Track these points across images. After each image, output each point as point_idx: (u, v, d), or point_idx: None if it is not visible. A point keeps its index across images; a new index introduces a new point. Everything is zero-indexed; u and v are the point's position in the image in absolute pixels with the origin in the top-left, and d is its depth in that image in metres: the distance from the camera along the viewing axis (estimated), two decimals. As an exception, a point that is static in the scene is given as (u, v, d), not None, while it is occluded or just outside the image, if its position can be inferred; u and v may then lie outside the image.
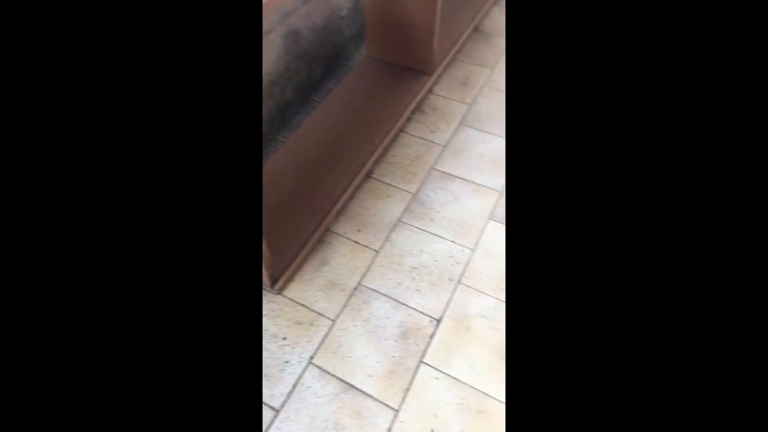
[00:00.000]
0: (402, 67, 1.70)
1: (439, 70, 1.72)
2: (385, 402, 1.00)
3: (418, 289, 1.18)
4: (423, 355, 1.07)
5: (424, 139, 1.54)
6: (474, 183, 1.41)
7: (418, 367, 1.05)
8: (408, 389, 1.02)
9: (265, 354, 1.08)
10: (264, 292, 1.18)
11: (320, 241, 1.28)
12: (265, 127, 1.52)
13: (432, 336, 1.10)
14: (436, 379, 1.03)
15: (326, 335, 1.11)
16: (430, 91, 1.69)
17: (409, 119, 1.59)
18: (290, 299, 1.17)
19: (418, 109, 1.63)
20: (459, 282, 1.19)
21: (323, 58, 1.69)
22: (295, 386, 1.03)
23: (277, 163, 1.42)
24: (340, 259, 1.24)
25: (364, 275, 1.21)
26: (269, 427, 0.98)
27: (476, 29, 1.95)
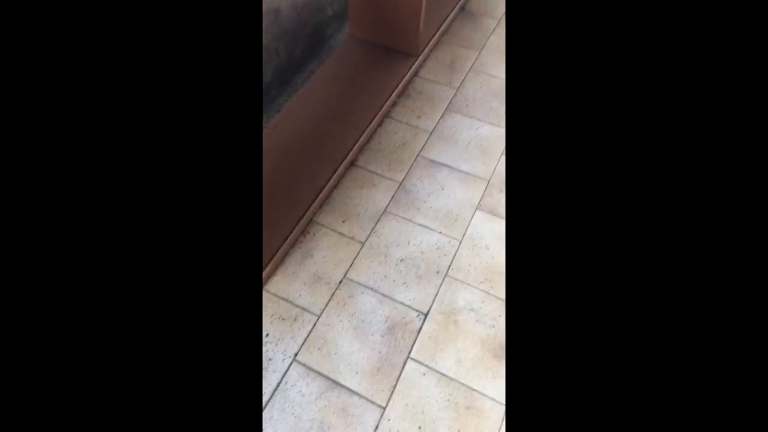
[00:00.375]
0: (386, 48, 1.63)
1: (425, 52, 1.66)
2: (371, 399, 0.99)
3: (404, 282, 1.15)
4: (410, 351, 1.05)
5: (410, 125, 1.49)
6: (461, 171, 1.38)
7: (405, 363, 1.03)
8: (395, 386, 1.00)
9: (247, 351, 1.05)
10: (245, 286, 1.14)
11: (303, 233, 1.24)
12: (243, 111, 1.44)
13: (419, 331, 1.08)
14: (424, 375, 1.02)
15: (311, 331, 1.08)
16: (415, 74, 1.63)
17: (394, 104, 1.54)
18: (273, 294, 1.13)
19: (404, 93, 1.58)
20: (446, 274, 1.17)
21: (304, 38, 1.61)
22: (279, 385, 1.00)
23: (257, 150, 1.35)
24: (325, 252, 1.20)
25: (349, 268, 1.18)
26: (253, 427, 0.95)
27: (463, 9, 1.88)
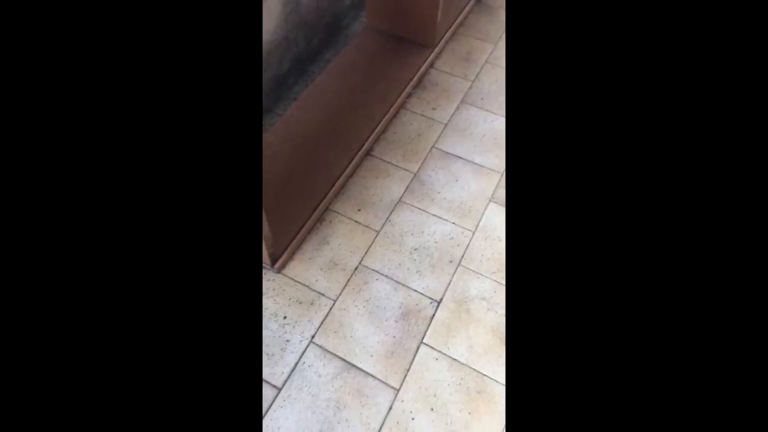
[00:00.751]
0: (402, 39, 1.65)
1: (441, 43, 1.67)
2: (385, 381, 1.02)
3: (418, 271, 1.19)
4: (423, 336, 1.09)
5: (425, 117, 1.51)
6: (475, 163, 1.40)
7: (418, 348, 1.07)
8: (408, 369, 1.04)
9: (266, 333, 1.08)
10: (264, 270, 1.17)
11: (320, 220, 1.27)
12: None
13: (432, 317, 1.11)
14: (436, 359, 1.05)
15: (327, 315, 1.11)
16: (431, 65, 1.64)
17: (410, 95, 1.56)
18: (291, 278, 1.17)
19: (419, 84, 1.59)
20: (459, 264, 1.20)
21: (322, 27, 1.62)
22: (296, 365, 1.04)
23: (275, 138, 1.38)
24: (341, 239, 1.24)
25: (364, 255, 1.21)
26: (271, 405, 0.99)
27: (480, 1, 1.88)
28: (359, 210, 1.29)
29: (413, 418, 0.98)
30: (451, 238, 1.25)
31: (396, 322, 1.11)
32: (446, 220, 1.28)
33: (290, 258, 1.20)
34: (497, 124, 1.50)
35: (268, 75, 1.45)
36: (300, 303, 1.13)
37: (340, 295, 1.14)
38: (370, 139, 1.40)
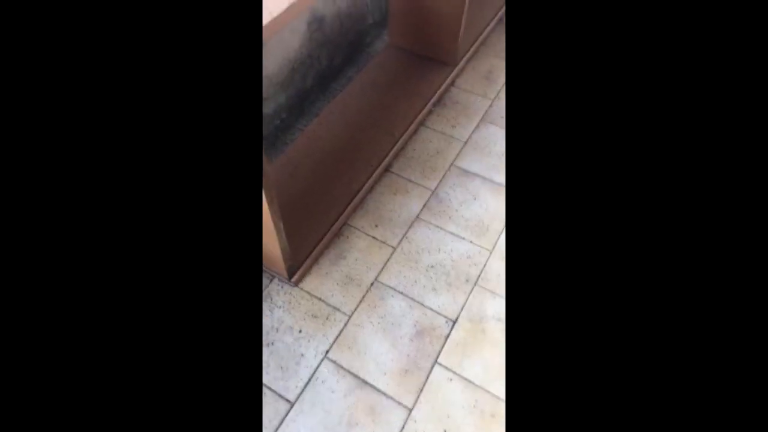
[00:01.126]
0: (423, 57, 1.67)
1: (462, 62, 1.69)
2: (399, 400, 1.02)
3: (434, 289, 1.18)
4: (438, 356, 1.08)
5: (445, 134, 1.52)
6: (494, 182, 1.40)
7: (432, 368, 1.06)
8: (422, 389, 1.03)
9: (281, 346, 1.09)
10: (281, 283, 1.19)
11: (337, 235, 1.28)
12: (284, 114, 1.50)
13: (447, 337, 1.11)
14: (450, 380, 1.04)
15: (342, 330, 1.11)
16: (452, 83, 1.66)
17: (430, 112, 1.57)
18: (307, 292, 1.18)
19: (440, 102, 1.61)
20: (476, 283, 1.19)
21: (345, 45, 1.65)
22: (310, 380, 1.04)
23: (296, 153, 1.41)
24: (357, 254, 1.24)
25: (380, 271, 1.21)
26: (284, 419, 0.99)
27: (502, 20, 1.90)
28: (377, 226, 1.30)
29: (425, 439, 0.97)
30: (468, 257, 1.24)
31: (410, 340, 1.10)
32: (463, 238, 1.28)
33: (307, 272, 1.21)
34: (517, 143, 1.50)
35: (291, 91, 1.48)
36: (315, 317, 1.14)
37: (355, 310, 1.15)
38: (389, 156, 1.41)
